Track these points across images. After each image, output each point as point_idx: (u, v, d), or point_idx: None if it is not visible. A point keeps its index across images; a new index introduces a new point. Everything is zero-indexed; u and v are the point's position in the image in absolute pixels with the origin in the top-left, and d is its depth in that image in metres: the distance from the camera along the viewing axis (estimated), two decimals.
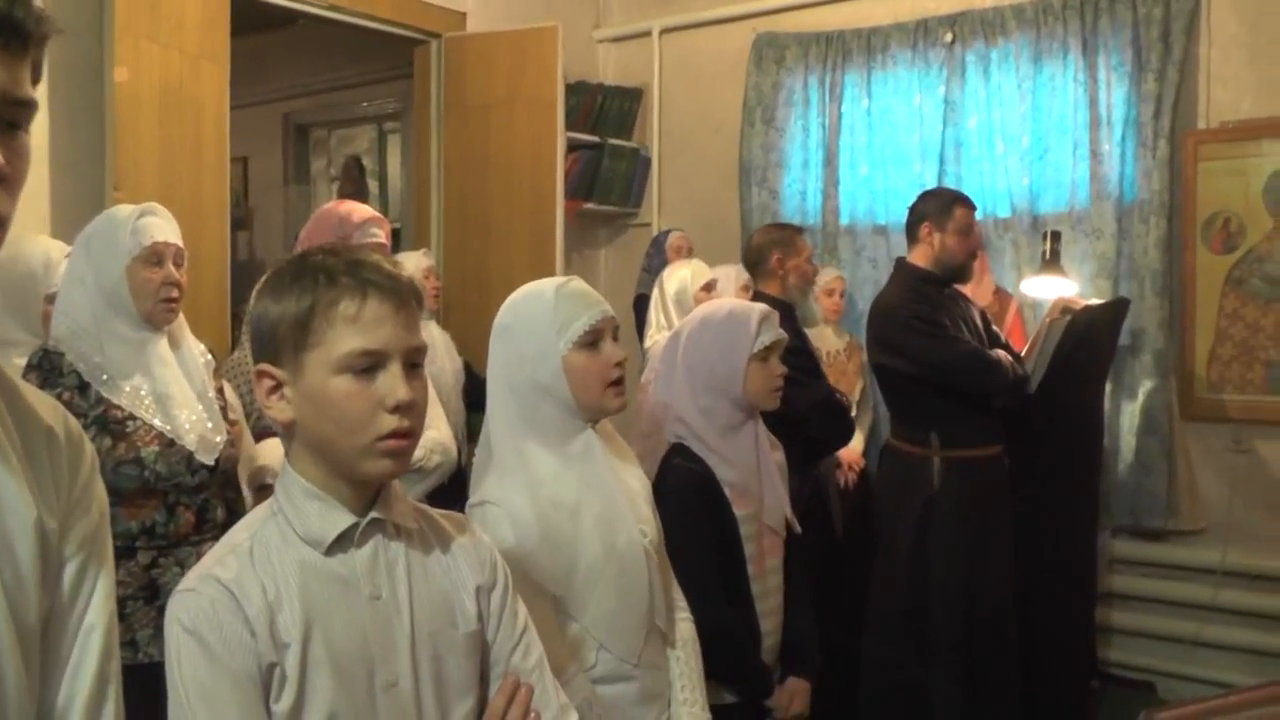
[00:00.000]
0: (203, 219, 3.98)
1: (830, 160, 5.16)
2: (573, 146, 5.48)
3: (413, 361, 1.40)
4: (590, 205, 5.69)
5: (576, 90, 5.59)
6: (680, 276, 4.47)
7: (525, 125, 4.95)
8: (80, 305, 2.51)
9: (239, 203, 7.06)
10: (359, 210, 2.85)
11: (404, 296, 1.39)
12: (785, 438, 3.63)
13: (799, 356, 3.76)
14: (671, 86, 5.78)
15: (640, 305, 4.84)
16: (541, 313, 1.99)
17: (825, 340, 4.79)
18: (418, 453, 2.83)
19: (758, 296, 3.99)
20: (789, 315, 3.90)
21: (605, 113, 5.76)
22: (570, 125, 5.33)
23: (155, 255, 2.55)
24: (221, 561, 1.38)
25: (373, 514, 1.42)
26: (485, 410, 2.06)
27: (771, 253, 3.96)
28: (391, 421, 1.37)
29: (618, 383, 2.02)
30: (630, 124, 5.84)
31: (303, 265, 1.39)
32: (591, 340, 1.99)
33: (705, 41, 5.65)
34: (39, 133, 3.58)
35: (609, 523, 1.99)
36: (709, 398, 2.44)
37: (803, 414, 3.68)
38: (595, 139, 5.68)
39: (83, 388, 2.46)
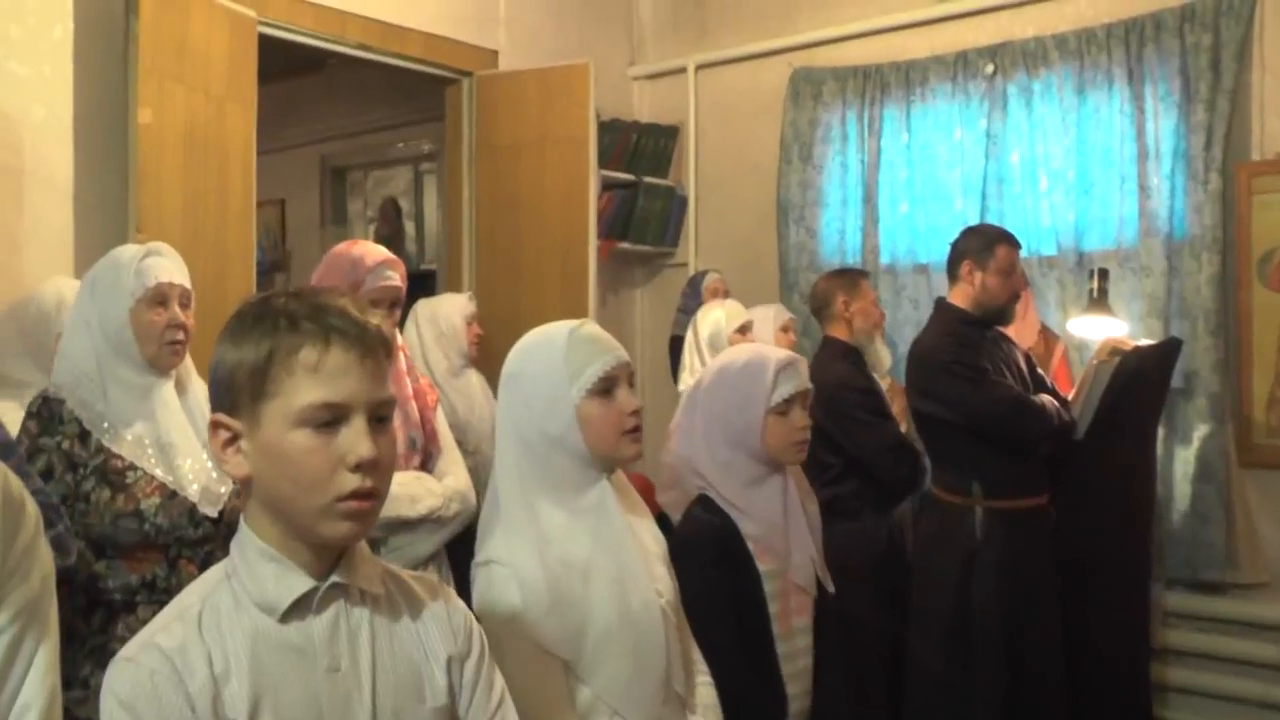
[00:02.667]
0: (228, 263, 3.95)
1: (869, 197, 5.08)
2: (607, 185, 5.45)
3: (379, 415, 1.32)
4: (625, 245, 5.65)
5: (610, 128, 5.56)
6: (714, 318, 4.42)
7: (557, 164, 4.91)
8: (83, 349, 2.47)
9: (276, 245, 7.09)
10: (372, 252, 2.78)
11: (370, 345, 1.31)
12: (855, 480, 3.59)
13: (867, 397, 3.71)
14: (707, 124, 5.74)
15: (676, 347, 4.80)
16: (552, 359, 1.95)
17: None
18: (434, 501, 2.76)
19: (826, 342, 3.95)
20: (857, 359, 3.84)
21: (640, 151, 5.72)
22: (604, 164, 5.30)
23: (160, 296, 2.50)
24: (167, 628, 1.29)
25: (334, 578, 1.34)
26: None
27: (836, 297, 3.95)
28: (353, 481, 1.29)
29: (634, 431, 1.96)
30: (666, 162, 5.80)
31: (264, 309, 1.32)
32: (606, 388, 1.94)
33: (741, 78, 5.60)
34: (60, 175, 3.57)
35: (622, 583, 1.92)
36: (728, 451, 2.37)
37: (871, 456, 3.61)
38: (630, 177, 5.64)
39: (83, 436, 2.41)
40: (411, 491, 2.73)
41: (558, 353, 1.94)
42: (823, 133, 5.23)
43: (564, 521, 1.91)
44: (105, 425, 2.41)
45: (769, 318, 4.55)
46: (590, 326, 2.01)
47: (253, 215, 4.11)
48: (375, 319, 1.35)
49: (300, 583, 1.32)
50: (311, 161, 7.12)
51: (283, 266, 7.08)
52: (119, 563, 2.39)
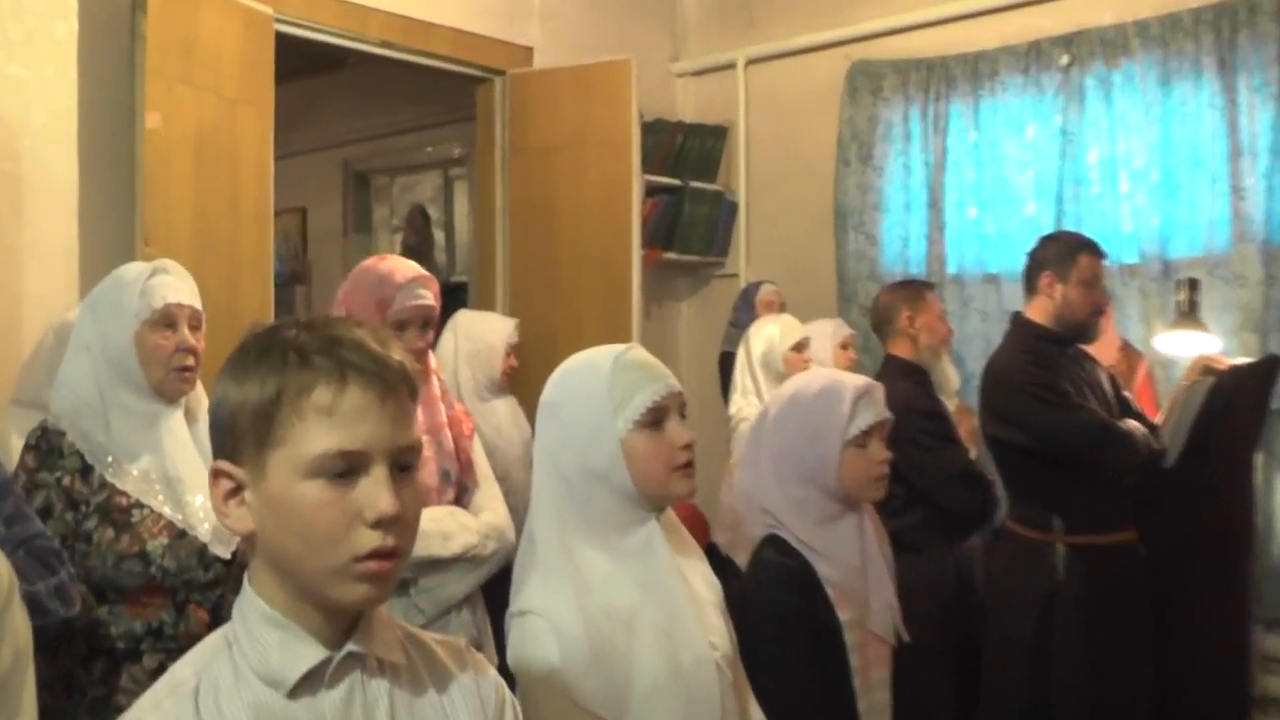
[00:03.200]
0: (242, 277, 3.93)
1: (934, 201, 5.02)
2: (650, 191, 5.42)
3: (402, 464, 1.26)
4: (670, 255, 5.63)
5: (653, 129, 5.53)
6: (767, 335, 4.38)
7: (596, 168, 4.88)
8: (84, 376, 2.45)
9: (296, 255, 7.11)
10: (402, 268, 2.74)
11: (392, 383, 1.25)
12: (920, 511, 3.53)
13: (933, 421, 3.67)
14: (758, 123, 5.70)
15: (726, 364, 4.78)
16: (596, 388, 1.92)
17: None
18: (469, 538, 2.72)
19: (887, 360, 3.89)
20: (922, 379, 3.78)
21: (685, 153, 5.69)
22: (647, 167, 5.27)
23: (167, 318, 2.48)
24: (158, 706, 1.24)
25: (349, 647, 1.28)
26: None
27: (899, 311, 3.90)
28: (372, 539, 1.23)
29: (686, 467, 1.94)
30: (713, 165, 5.77)
31: (271, 341, 1.27)
32: (654, 419, 1.92)
33: (794, 72, 5.55)
34: (63, 184, 3.55)
35: (672, 634, 1.89)
36: (799, 488, 2.34)
37: (937, 484, 3.54)
38: (675, 182, 5.61)
39: (85, 471, 2.39)
40: (444, 528, 2.70)
41: (601, 381, 1.92)
42: (883, 131, 5.18)
43: (607, 566, 1.88)
44: (108, 459, 2.39)
45: (827, 333, 4.50)
46: (638, 352, 1.98)
47: (269, 225, 4.10)
48: (397, 352, 1.29)
49: (311, 652, 1.26)
50: (333, 166, 7.14)
51: (303, 278, 7.10)
52: (122, 608, 2.36)
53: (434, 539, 2.65)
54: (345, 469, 1.22)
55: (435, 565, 2.67)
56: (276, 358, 1.24)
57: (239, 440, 1.25)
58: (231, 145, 3.91)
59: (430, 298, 2.76)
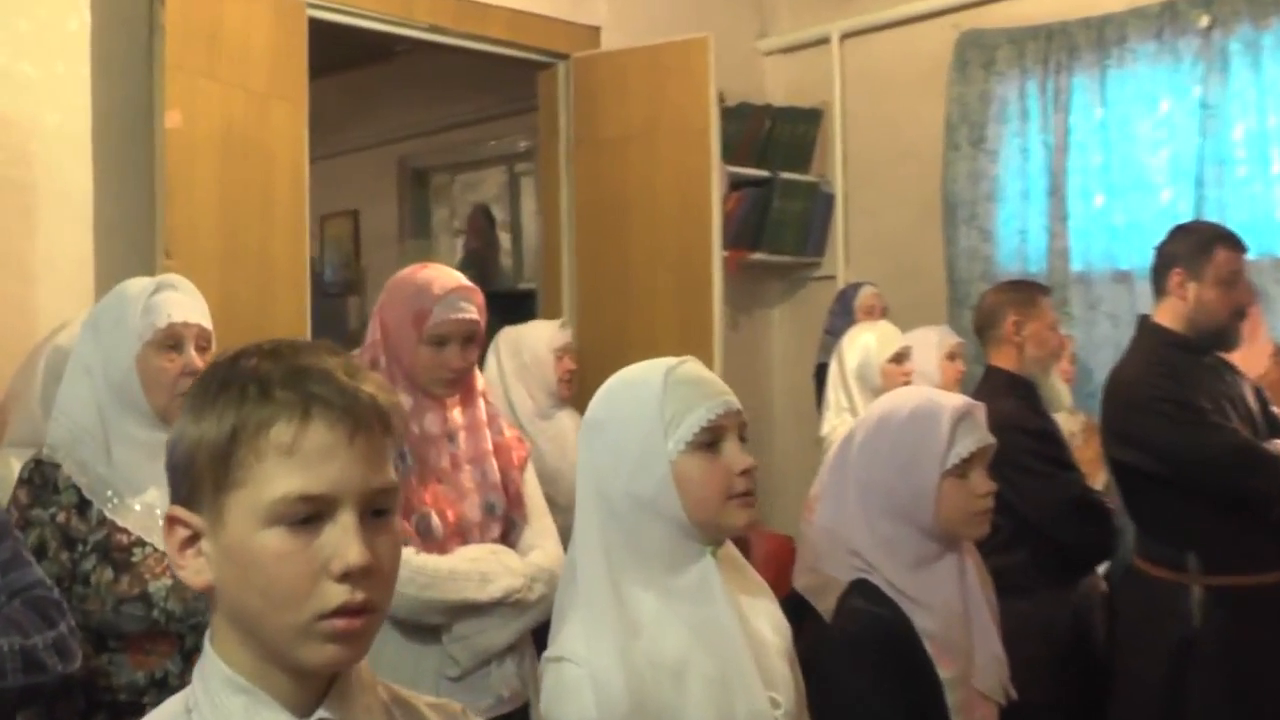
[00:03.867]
0: (276, 288, 3.99)
1: (1056, 189, 4.99)
2: (734, 183, 5.43)
3: (376, 508, 1.25)
4: (758, 255, 5.63)
5: (737, 114, 5.53)
6: (863, 344, 4.36)
7: (672, 160, 4.90)
8: (84, 402, 2.50)
9: (349, 262, 7.22)
10: (442, 278, 2.77)
11: (362, 419, 1.25)
12: (1027, 548, 3.46)
13: (1042, 442, 3.62)
14: (856, 104, 5.69)
15: (822, 377, 4.73)
16: (645, 405, 1.95)
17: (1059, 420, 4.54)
18: (512, 581, 2.72)
19: (989, 372, 3.83)
20: (1028, 393, 3.73)
21: (775, 140, 5.68)
22: (730, 157, 5.27)
23: (172, 338, 2.52)
24: None
25: (320, 714, 1.28)
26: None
27: (1005, 316, 3.84)
28: (338, 594, 1.22)
29: (744, 495, 1.95)
30: (806, 153, 5.76)
31: (232, 372, 1.27)
32: (709, 440, 1.94)
33: (896, 46, 5.53)
34: (77, 190, 3.64)
35: (726, 686, 1.89)
36: (890, 525, 2.31)
37: (1047, 515, 3.48)
38: (762, 173, 5.61)
39: (82, 507, 2.44)
40: (484, 569, 2.70)
41: (651, 397, 1.94)
42: (997, 110, 5.14)
43: (655, 607, 1.90)
44: (108, 493, 2.43)
45: (931, 342, 4.47)
46: (692, 366, 2.00)
47: (304, 232, 4.15)
48: (370, 384, 1.28)
49: None
50: (388, 164, 7.26)
51: (357, 288, 7.22)
52: (124, 656, 2.40)
53: (470, 581, 2.65)
54: (309, 515, 1.22)
55: (471, 610, 2.67)
56: (235, 390, 1.24)
57: (196, 483, 1.25)
58: (262, 145, 3.97)
59: (473, 311, 2.78)
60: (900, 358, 4.29)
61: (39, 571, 2.24)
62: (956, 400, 2.33)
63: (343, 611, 1.22)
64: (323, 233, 7.45)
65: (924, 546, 2.28)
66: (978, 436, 2.29)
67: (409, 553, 2.53)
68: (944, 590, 2.29)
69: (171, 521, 1.27)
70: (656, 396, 1.93)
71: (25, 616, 2.13)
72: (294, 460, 1.22)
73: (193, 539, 1.26)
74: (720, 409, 1.93)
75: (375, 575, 1.24)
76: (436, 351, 2.66)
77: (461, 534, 2.68)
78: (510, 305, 6.23)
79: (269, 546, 1.22)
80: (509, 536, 2.82)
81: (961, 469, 2.26)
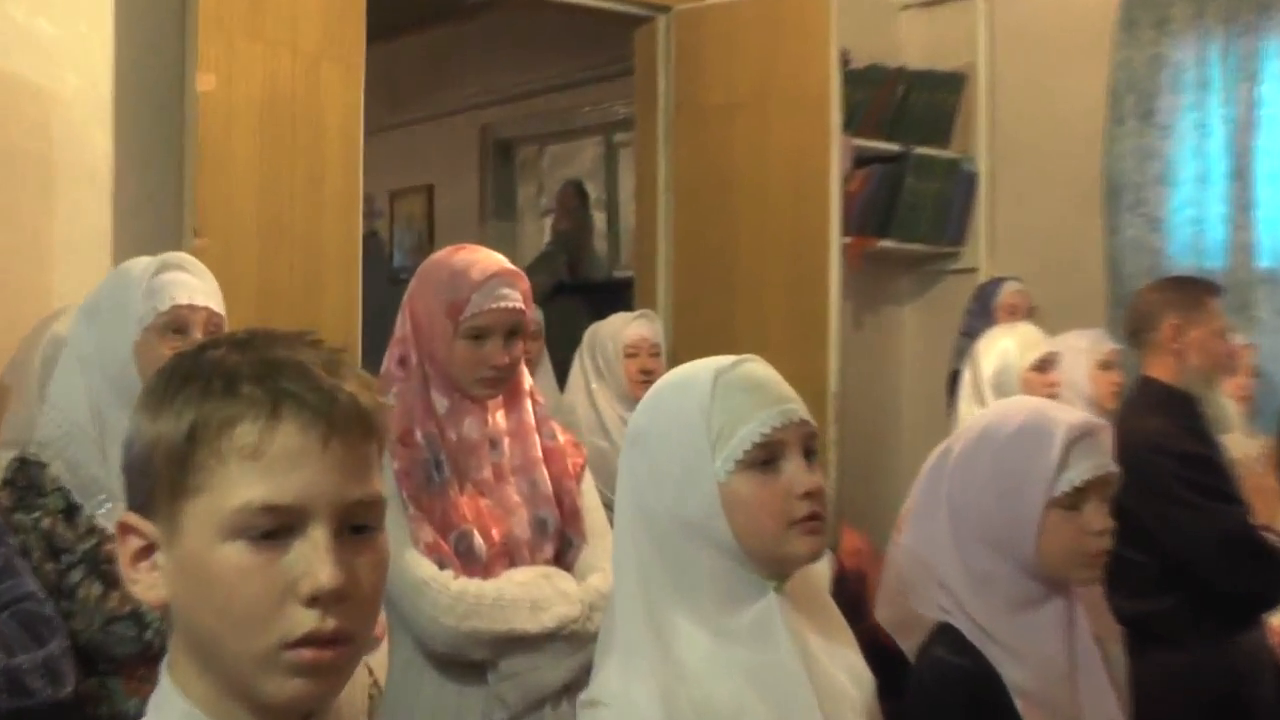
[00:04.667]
0: (324, 274, 4.07)
1: (1240, 172, 4.93)
2: (860, 160, 5.43)
3: (356, 524, 1.26)
4: (886, 243, 5.61)
5: (865, 79, 5.52)
6: (1001, 349, 4.33)
7: (787, 131, 4.91)
8: (77, 394, 2.55)
9: (421, 245, 7.30)
10: (482, 261, 2.76)
11: (339, 421, 1.25)
12: (1177, 592, 3.40)
13: (1195, 468, 3.53)
14: (1006, 69, 5.65)
15: (953, 384, 4.70)
16: (689, 415, 1.92)
17: (1231, 444, 4.45)
18: (567, 609, 2.72)
19: (1143, 383, 3.77)
20: (1185, 410, 3.65)
21: (908, 110, 5.67)
22: (856, 129, 5.28)
23: (177, 323, 2.57)
24: None
25: None
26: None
27: (1163, 318, 3.75)
28: (306, 620, 1.22)
29: (808, 520, 1.90)
30: (946, 125, 5.74)
31: (195, 364, 1.29)
32: (766, 458, 1.89)
33: (1052, 1, 5.50)
34: (99, 162, 3.71)
35: None
36: (986, 559, 2.25)
37: (1202, 554, 3.42)
38: (893, 147, 5.61)
39: (69, 512, 2.48)
40: (536, 595, 2.70)
41: (696, 406, 1.91)
42: (1170, 77, 5.08)
43: (707, 648, 1.87)
44: (101, 496, 2.48)
45: (1082, 349, 4.40)
46: (750, 368, 1.96)
47: (358, 209, 4.23)
48: (352, 383, 1.28)
49: None
50: (469, 134, 7.33)
51: None
52: (116, 681, 2.44)
53: (520, 610, 2.65)
54: (275, 528, 1.22)
55: (521, 644, 2.68)
56: (197, 384, 1.26)
57: (152, 488, 1.27)
58: (312, 112, 4.05)
59: (517, 299, 2.77)
60: (1044, 365, 4.25)
61: (33, 583, 2.28)
62: (1076, 417, 2.28)
63: (311, 640, 1.22)
64: (393, 211, 7.57)
65: (1023, 586, 2.23)
66: (1096, 462, 2.22)
67: (446, 577, 2.55)
68: (1045, 640, 2.23)
69: (124, 529, 1.29)
70: (702, 405, 1.90)
71: (12, 632, 2.17)
72: (259, 465, 1.23)
73: (147, 550, 1.28)
74: (778, 420, 1.89)
75: (351, 600, 1.24)
76: (475, 346, 2.66)
77: (508, 554, 2.68)
78: (605, 296, 6.28)
79: (229, 561, 1.23)
80: (564, 557, 2.82)
81: (1073, 499, 2.20)
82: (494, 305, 2.73)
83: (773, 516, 1.87)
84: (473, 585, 2.59)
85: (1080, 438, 2.23)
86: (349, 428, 1.26)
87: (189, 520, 1.24)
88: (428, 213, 7.42)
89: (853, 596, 3.00)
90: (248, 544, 1.23)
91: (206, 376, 1.26)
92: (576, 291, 6.79)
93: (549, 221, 7.50)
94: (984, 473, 2.27)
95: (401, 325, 2.78)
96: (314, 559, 1.23)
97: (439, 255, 2.88)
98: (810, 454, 1.93)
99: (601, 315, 4.73)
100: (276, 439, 1.23)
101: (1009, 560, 2.23)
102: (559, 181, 7.47)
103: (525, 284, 2.85)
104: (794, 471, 1.89)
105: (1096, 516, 2.22)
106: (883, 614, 2.49)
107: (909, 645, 2.36)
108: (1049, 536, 2.20)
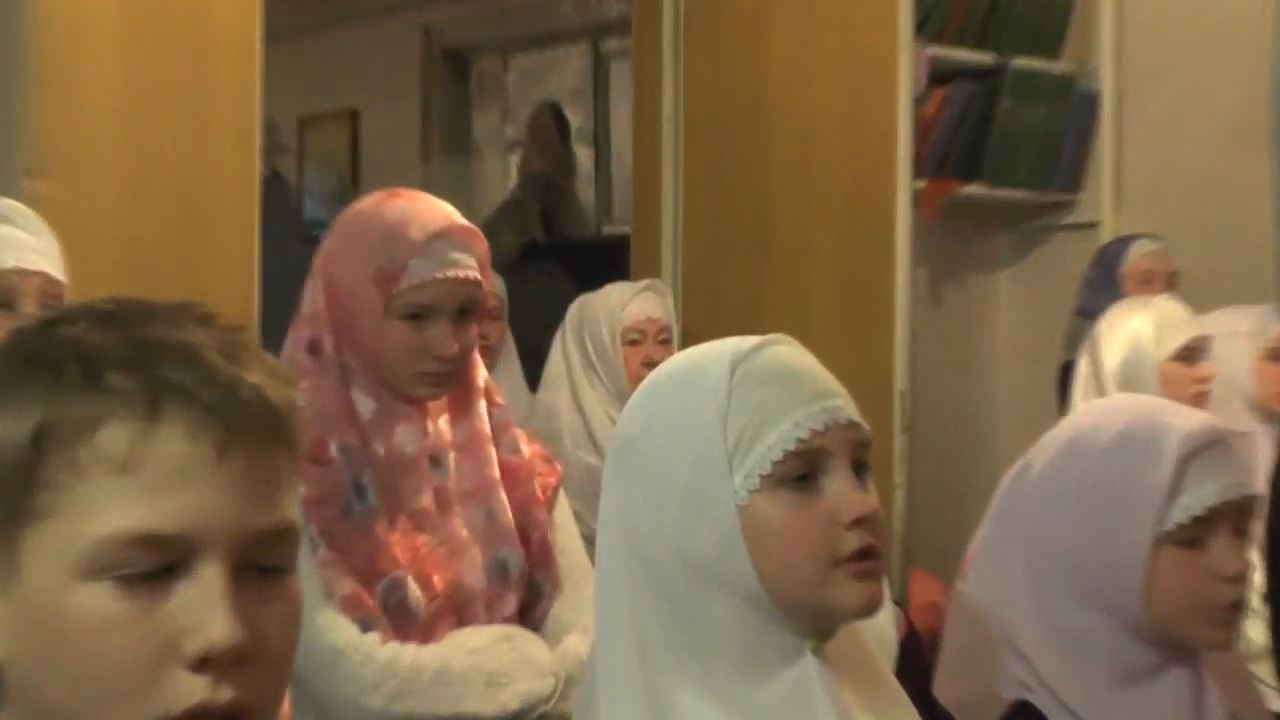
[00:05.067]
0: (210, 231, 4.07)
1: None
2: (938, 76, 5.45)
3: (264, 564, 1.27)
4: (975, 189, 5.64)
5: None
6: (1132, 332, 4.37)
7: (837, 37, 4.95)
8: None
9: (343, 192, 7.29)
10: (424, 213, 2.77)
11: (241, 424, 1.25)
12: None
13: None
14: None
15: (1067, 377, 4.73)
16: (700, 414, 1.93)
17: None
18: (535, 684, 2.76)
19: None
20: None
21: (1004, 10, 5.69)
22: (933, 34, 5.33)
23: (2, 294, 2.62)
24: None
25: None
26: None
27: None
28: (194, 689, 1.22)
29: (862, 556, 1.90)
30: (1057, 29, 5.78)
31: (42, 346, 1.29)
32: (803, 472, 1.89)
33: None
34: None
35: None
36: (1074, 613, 2.26)
37: None
38: (984, 59, 5.64)
39: None
40: (493, 666, 2.73)
41: (708, 403, 1.91)
42: None
43: None
44: None
45: (1242, 333, 4.43)
46: (778, 350, 1.97)
47: (254, 143, 4.23)
48: (257, 372, 1.30)
49: None
50: (407, 41, 7.35)
51: None
52: None
53: (472, 687, 2.68)
54: (152, 566, 1.22)
55: None
56: (45, 373, 1.25)
57: None
58: (193, 13, 4.06)
59: (472, 265, 2.79)
60: (1191, 354, 4.30)
61: None
62: (1195, 422, 2.27)
63: (200, 716, 1.22)
64: (303, 144, 7.57)
65: (1129, 652, 2.24)
66: (1225, 483, 2.20)
67: (370, 642, 2.58)
68: None
69: None
70: (716, 402, 1.90)
71: None
72: (132, 482, 1.22)
73: None
74: (818, 421, 1.88)
75: (254, 664, 1.23)
76: (414, 329, 2.68)
77: (455, 610, 2.71)
78: (591, 261, 6.30)
79: (89, 609, 1.22)
80: (531, 613, 2.86)
81: (1193, 533, 2.19)
82: (440, 274, 2.74)
83: (811, 552, 1.87)
84: (407, 654, 2.62)
85: (1201, 449, 2.21)
86: (253, 433, 1.26)
87: (33, 554, 1.24)
88: (350, 147, 7.44)
89: (926, 666, 3.01)
90: (115, 586, 1.21)
91: (58, 362, 1.24)
92: (552, 254, 6.81)
93: (516, 159, 7.51)
94: (1072, 499, 2.27)
95: (312, 299, 2.79)
96: (204, 607, 1.22)
97: (365, 205, 2.89)
98: (862, 468, 1.92)
99: (586, 286, 4.75)
100: (156, 447, 1.22)
101: (1108, 616, 2.23)
102: (530, 106, 7.45)
103: (483, 245, 2.86)
104: (840, 490, 1.88)
105: (1228, 555, 2.20)
106: (944, 690, 2.50)
107: None
108: (1162, 584, 2.19)
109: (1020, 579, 2.31)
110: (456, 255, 2.77)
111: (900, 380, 4.71)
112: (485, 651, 2.72)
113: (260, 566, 1.27)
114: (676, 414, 1.94)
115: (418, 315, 2.69)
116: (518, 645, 2.77)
